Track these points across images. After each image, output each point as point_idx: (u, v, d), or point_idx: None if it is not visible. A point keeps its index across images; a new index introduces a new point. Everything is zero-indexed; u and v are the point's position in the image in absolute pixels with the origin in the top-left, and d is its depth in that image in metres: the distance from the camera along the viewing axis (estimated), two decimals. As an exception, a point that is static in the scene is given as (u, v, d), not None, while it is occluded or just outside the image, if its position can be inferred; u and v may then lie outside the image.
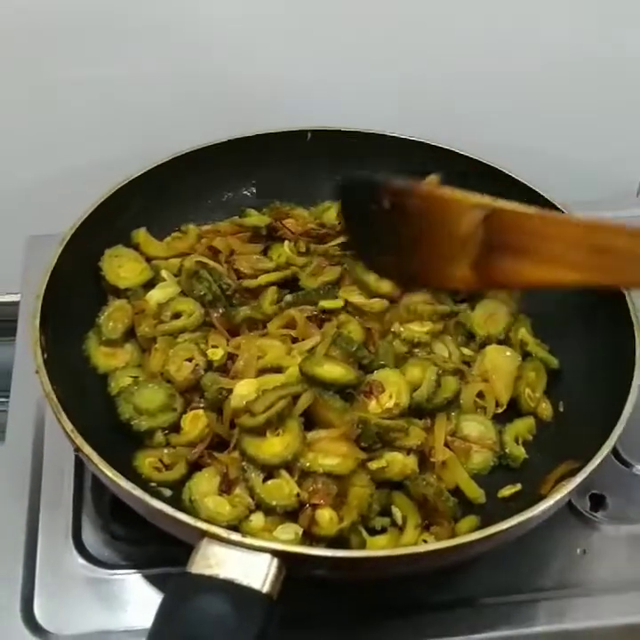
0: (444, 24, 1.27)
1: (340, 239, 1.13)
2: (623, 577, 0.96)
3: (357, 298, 1.05)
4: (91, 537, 0.97)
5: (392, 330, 1.03)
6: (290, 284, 1.10)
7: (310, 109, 1.29)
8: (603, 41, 1.30)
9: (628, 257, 0.87)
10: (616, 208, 1.16)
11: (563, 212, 1.06)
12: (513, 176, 1.14)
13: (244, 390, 0.93)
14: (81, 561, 0.95)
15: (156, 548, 0.94)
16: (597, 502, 1.02)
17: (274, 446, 0.89)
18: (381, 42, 1.28)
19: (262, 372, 0.97)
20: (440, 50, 1.30)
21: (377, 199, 0.97)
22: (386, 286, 1.06)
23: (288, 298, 1.05)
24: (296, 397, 0.92)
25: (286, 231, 1.15)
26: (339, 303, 1.04)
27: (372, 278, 1.06)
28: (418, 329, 1.03)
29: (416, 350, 1.03)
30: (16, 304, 1.20)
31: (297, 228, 1.15)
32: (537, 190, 1.12)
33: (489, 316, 1.09)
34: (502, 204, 1.00)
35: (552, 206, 1.09)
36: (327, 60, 1.29)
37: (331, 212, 1.21)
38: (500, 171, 1.15)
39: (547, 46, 1.30)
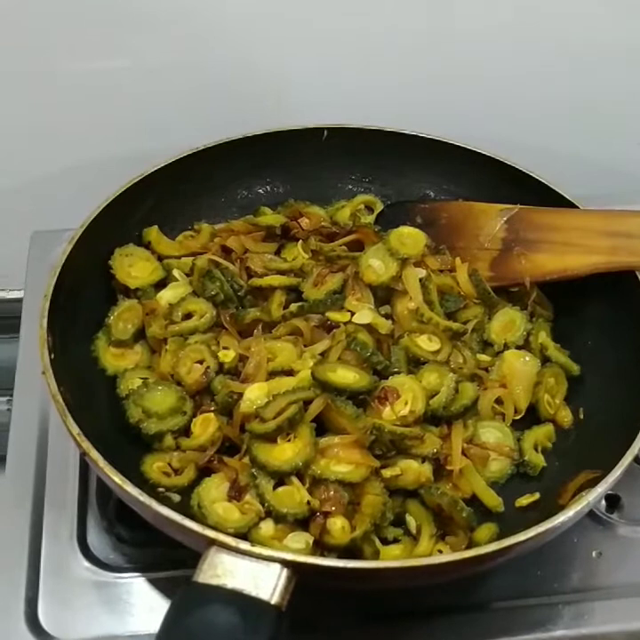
0: (447, 21, 1.26)
1: (349, 238, 1.10)
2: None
3: (362, 316, 1.01)
4: (96, 539, 0.96)
5: (402, 342, 1.00)
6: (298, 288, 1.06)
7: (313, 104, 1.28)
8: (612, 33, 1.29)
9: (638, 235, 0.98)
10: (628, 202, 1.15)
11: (576, 207, 1.08)
12: (526, 171, 1.13)
13: (253, 394, 0.91)
14: (86, 564, 0.93)
15: (162, 550, 0.93)
16: (613, 503, 1.00)
17: (285, 452, 0.87)
18: (385, 38, 1.26)
19: (273, 374, 0.95)
20: (443, 48, 1.28)
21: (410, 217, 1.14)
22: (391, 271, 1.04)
23: (292, 308, 1.02)
24: (308, 402, 0.90)
25: (300, 230, 1.13)
26: (345, 316, 1.01)
27: (377, 275, 1.04)
28: (425, 347, 1.00)
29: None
30: (19, 301, 1.18)
31: (309, 227, 1.13)
32: (550, 186, 1.11)
33: (506, 325, 1.06)
34: (522, 207, 1.09)
35: (565, 201, 1.09)
36: (331, 56, 1.28)
37: (345, 211, 1.19)
38: (513, 167, 1.14)
39: (560, 41, 1.29)
